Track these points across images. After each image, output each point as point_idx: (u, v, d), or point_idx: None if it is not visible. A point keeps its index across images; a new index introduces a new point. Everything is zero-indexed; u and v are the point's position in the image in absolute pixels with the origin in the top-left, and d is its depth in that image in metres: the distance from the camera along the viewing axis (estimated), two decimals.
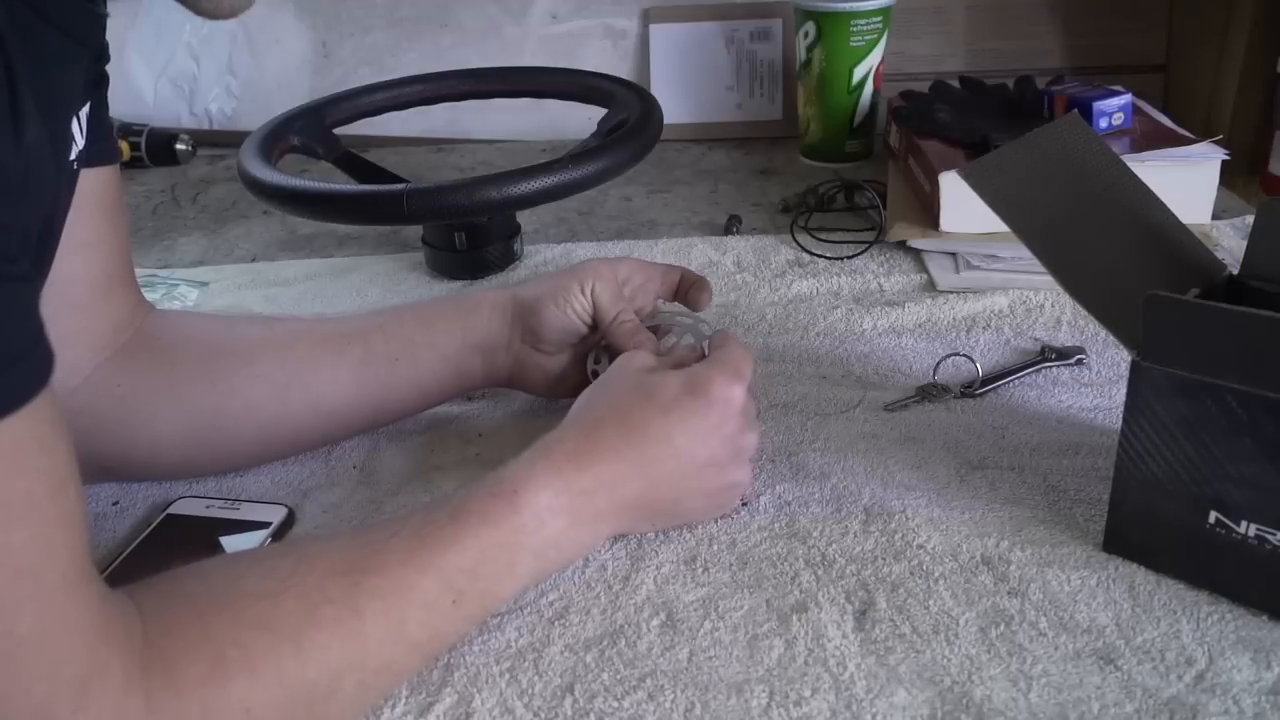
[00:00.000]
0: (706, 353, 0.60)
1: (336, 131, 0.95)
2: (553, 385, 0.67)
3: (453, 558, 0.47)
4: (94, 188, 0.57)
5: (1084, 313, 0.62)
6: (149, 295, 0.66)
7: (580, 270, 0.65)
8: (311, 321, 0.67)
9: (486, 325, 0.65)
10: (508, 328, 0.65)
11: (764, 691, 0.47)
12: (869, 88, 1.08)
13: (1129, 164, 0.59)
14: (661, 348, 0.63)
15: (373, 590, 0.44)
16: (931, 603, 0.51)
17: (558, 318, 0.64)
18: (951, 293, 0.81)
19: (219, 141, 1.27)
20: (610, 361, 0.61)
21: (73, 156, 0.50)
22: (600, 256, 0.67)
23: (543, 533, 0.50)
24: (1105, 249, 0.56)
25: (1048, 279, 0.55)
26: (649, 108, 0.87)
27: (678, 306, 0.69)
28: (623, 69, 1.24)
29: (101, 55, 0.57)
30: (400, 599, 0.45)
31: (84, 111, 0.51)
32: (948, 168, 0.84)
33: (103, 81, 0.58)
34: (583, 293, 0.64)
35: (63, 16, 0.43)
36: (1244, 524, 0.48)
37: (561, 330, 0.64)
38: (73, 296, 0.57)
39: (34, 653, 0.35)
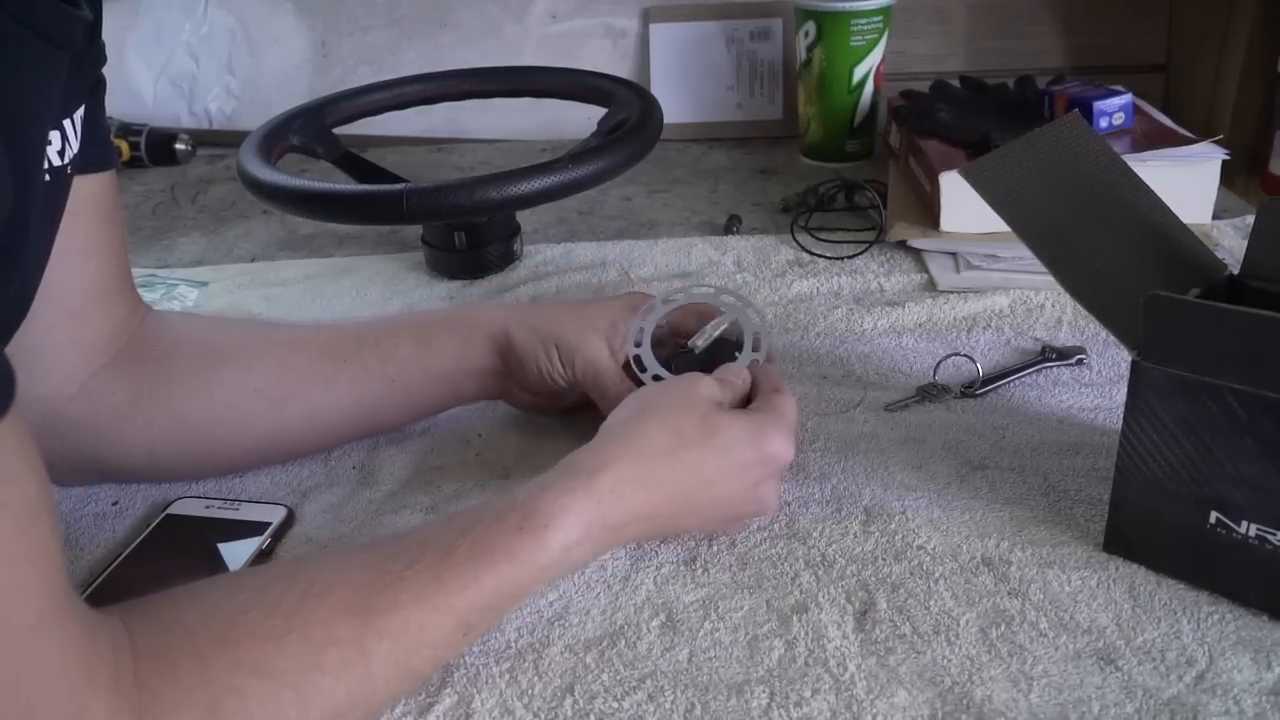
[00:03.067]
0: (759, 355, 0.60)
1: (336, 131, 0.95)
2: (544, 408, 0.68)
3: (469, 596, 0.45)
4: (91, 193, 0.56)
5: (1084, 312, 0.62)
6: (148, 295, 0.66)
7: (566, 338, 0.62)
8: (308, 331, 0.66)
9: (481, 353, 0.64)
10: (500, 361, 0.64)
11: (764, 692, 0.47)
12: (869, 87, 1.08)
13: (1129, 164, 0.59)
14: (701, 333, 0.63)
15: (382, 630, 0.43)
16: (932, 603, 0.51)
17: (538, 378, 0.63)
18: (952, 292, 0.81)
19: (218, 141, 1.27)
20: (649, 348, 0.61)
21: (65, 161, 0.49)
22: (579, 317, 0.64)
23: (564, 565, 0.49)
24: (1105, 249, 0.56)
25: (1048, 279, 0.55)
26: (649, 107, 0.87)
27: (712, 286, 0.66)
28: (623, 69, 1.24)
29: (97, 59, 0.56)
30: (410, 638, 0.44)
31: (78, 114, 0.51)
32: (948, 167, 0.84)
33: (99, 85, 0.57)
34: (564, 365, 0.62)
35: (36, 19, 0.42)
36: (1244, 524, 0.48)
37: (541, 385, 0.64)
38: (70, 304, 0.57)
39: (7, 695, 0.34)
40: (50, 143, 0.47)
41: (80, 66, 0.51)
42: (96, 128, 0.56)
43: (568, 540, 0.48)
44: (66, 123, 0.49)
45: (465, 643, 0.47)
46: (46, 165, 0.47)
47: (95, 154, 0.56)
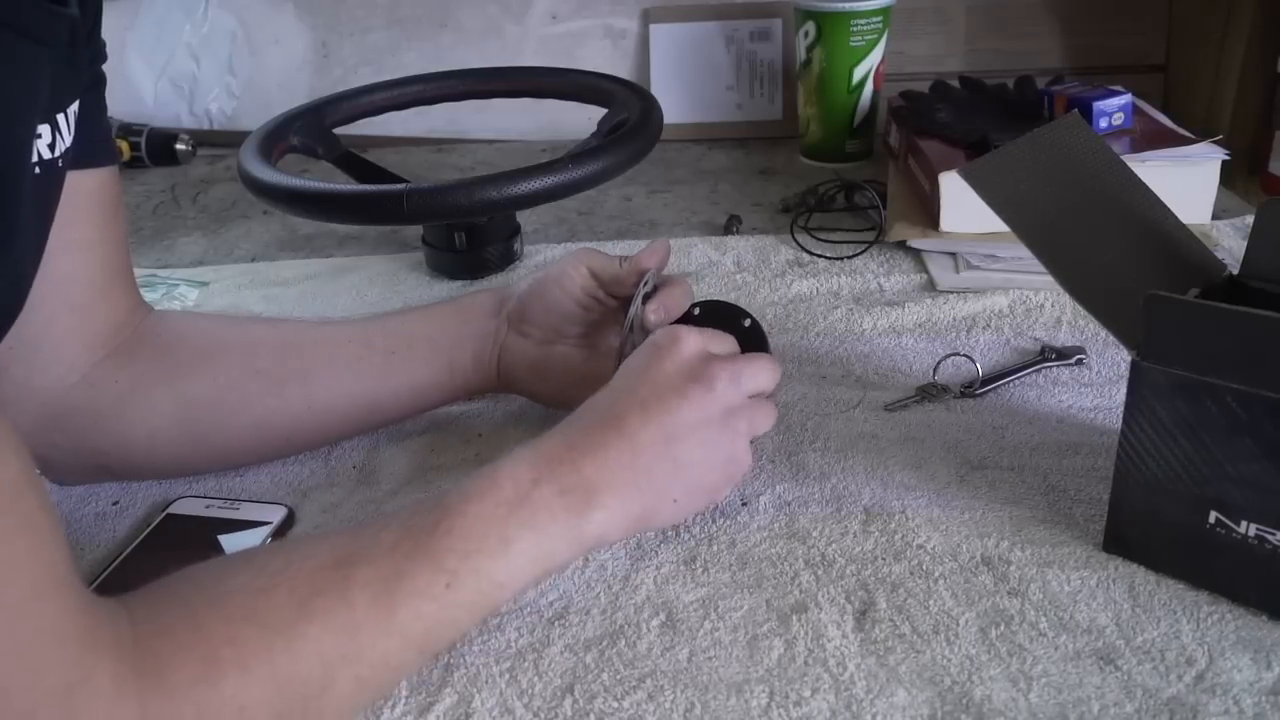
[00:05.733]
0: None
1: (336, 131, 0.95)
2: (540, 379, 0.66)
3: (440, 539, 0.46)
4: (91, 189, 0.57)
5: (1084, 312, 0.62)
6: (149, 295, 0.66)
7: (570, 255, 0.66)
8: (314, 321, 0.67)
9: (480, 312, 0.66)
10: (495, 317, 0.66)
11: (764, 691, 0.47)
12: (869, 88, 1.08)
13: (1129, 164, 0.59)
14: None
15: (363, 580, 0.44)
16: (931, 603, 0.51)
17: (558, 299, 0.64)
18: (951, 292, 0.81)
19: (219, 141, 1.27)
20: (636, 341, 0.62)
21: (56, 155, 0.49)
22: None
23: (529, 503, 0.49)
24: (1105, 249, 0.56)
25: (1048, 279, 0.55)
26: (649, 108, 0.87)
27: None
28: (623, 69, 1.24)
29: (96, 56, 0.56)
30: (389, 586, 0.44)
31: (72, 109, 0.51)
32: (948, 168, 0.84)
33: (99, 82, 0.57)
34: (583, 273, 0.65)
35: (16, 17, 0.43)
36: (1244, 524, 0.48)
37: (558, 313, 0.65)
38: (71, 297, 0.57)
39: (8, 663, 0.35)
40: (39, 136, 0.48)
41: (75, 63, 0.51)
42: (96, 124, 0.57)
43: (517, 475, 0.49)
44: (60, 117, 0.50)
45: (452, 601, 0.46)
46: (36, 158, 0.47)
47: (95, 150, 0.56)
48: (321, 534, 0.48)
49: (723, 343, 0.58)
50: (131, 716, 0.37)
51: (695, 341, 0.55)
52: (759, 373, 0.56)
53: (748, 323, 0.62)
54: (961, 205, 0.84)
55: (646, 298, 0.62)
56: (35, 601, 0.36)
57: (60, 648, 0.36)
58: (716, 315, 0.62)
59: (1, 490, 0.35)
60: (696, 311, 0.63)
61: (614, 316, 0.66)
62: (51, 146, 0.49)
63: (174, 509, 0.61)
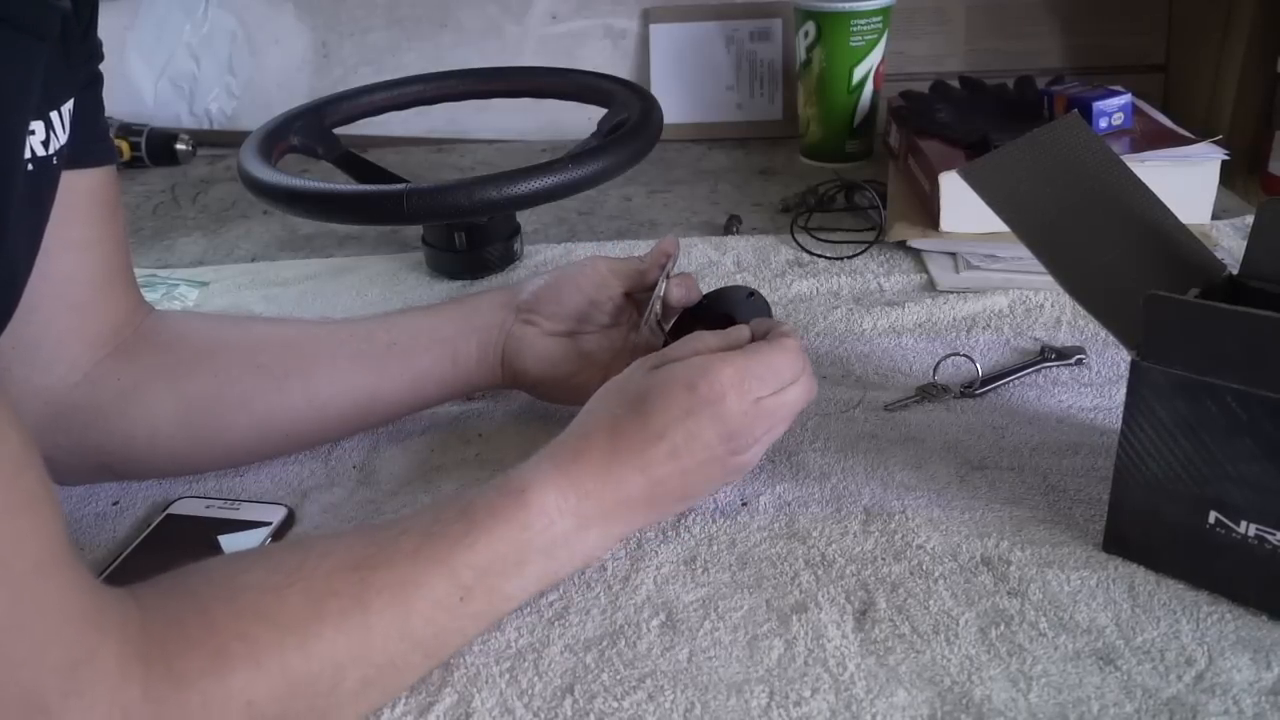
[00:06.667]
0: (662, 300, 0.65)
1: (336, 131, 0.95)
2: (544, 367, 0.65)
3: (461, 553, 0.47)
4: (90, 188, 0.57)
5: (1084, 313, 0.62)
6: (148, 295, 0.66)
7: (587, 259, 0.68)
8: (316, 320, 0.68)
9: (487, 306, 0.67)
10: (503, 309, 0.67)
11: (764, 692, 0.47)
12: (869, 88, 1.08)
13: (1129, 164, 0.59)
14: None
15: (380, 585, 0.44)
16: (931, 603, 0.51)
17: (571, 294, 0.66)
18: (951, 293, 0.81)
19: (219, 141, 1.27)
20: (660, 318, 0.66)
21: (50, 152, 0.49)
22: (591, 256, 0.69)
23: (551, 532, 0.50)
24: (1105, 249, 0.56)
25: (1048, 279, 0.55)
26: (649, 108, 0.87)
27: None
28: (623, 69, 1.24)
29: (91, 55, 0.56)
30: (407, 593, 0.45)
31: (67, 107, 0.51)
32: (948, 168, 0.84)
33: (95, 81, 0.57)
34: (601, 270, 0.66)
35: (9, 10, 0.43)
36: (1244, 524, 0.48)
37: (569, 307, 0.66)
38: (71, 297, 0.57)
39: (12, 638, 0.35)
40: (33, 133, 0.48)
41: (70, 60, 0.51)
42: (93, 124, 0.57)
43: (544, 503, 0.50)
44: (54, 114, 0.50)
45: (464, 613, 0.47)
46: (29, 154, 0.47)
47: (92, 149, 0.56)
48: (336, 534, 0.49)
49: (773, 369, 0.55)
50: (135, 699, 0.37)
51: (738, 395, 0.53)
52: (792, 417, 0.57)
53: (750, 296, 0.66)
54: (961, 205, 0.85)
55: (668, 279, 0.65)
56: (39, 577, 0.36)
57: (65, 623, 0.36)
58: (722, 301, 0.66)
59: (3, 465, 0.35)
60: (704, 302, 0.66)
61: (621, 316, 0.68)
62: (45, 144, 0.49)
63: (174, 509, 0.61)
